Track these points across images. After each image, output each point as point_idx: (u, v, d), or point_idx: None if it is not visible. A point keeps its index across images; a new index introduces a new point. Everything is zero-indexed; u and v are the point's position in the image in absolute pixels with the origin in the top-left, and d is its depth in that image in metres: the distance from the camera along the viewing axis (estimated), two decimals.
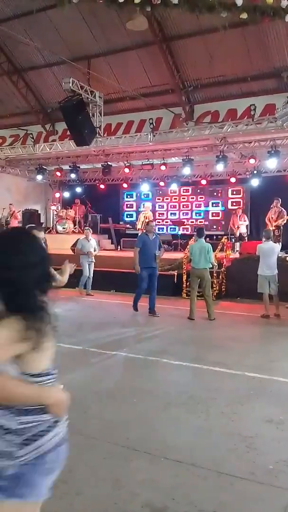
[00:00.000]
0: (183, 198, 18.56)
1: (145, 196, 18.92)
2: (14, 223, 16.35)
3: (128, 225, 18.03)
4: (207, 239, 11.16)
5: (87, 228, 12.66)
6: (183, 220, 18.17)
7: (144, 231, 10.31)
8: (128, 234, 17.60)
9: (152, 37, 11.64)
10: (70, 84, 11.12)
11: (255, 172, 14.53)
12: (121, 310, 10.19)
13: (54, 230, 17.30)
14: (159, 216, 18.82)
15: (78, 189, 19.20)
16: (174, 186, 17.69)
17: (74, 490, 3.07)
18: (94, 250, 11.59)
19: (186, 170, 14.56)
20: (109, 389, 5.04)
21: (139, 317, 9.30)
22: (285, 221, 12.77)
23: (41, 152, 14.10)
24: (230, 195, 17.64)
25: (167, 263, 12.59)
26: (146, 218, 16.33)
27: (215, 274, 10.76)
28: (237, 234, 14.51)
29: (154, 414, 4.38)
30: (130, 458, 3.50)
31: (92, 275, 11.60)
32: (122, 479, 3.20)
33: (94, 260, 11.65)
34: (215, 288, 10.63)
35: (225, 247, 11.86)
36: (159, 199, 19.00)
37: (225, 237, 12.78)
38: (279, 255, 10.22)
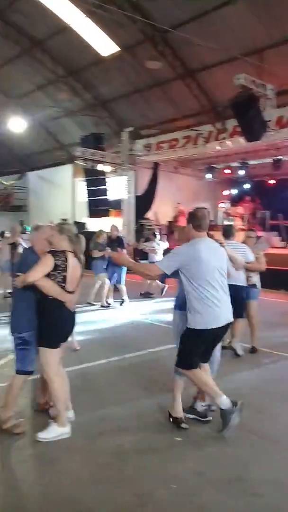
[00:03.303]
0: None
1: None
2: (183, 221, 16.92)
3: None
4: None
5: None
6: None
7: None
8: None
9: None
10: (242, 80, 10.97)
11: None
12: None
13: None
14: None
15: (246, 186, 18.96)
16: None
17: (249, 490, 3.06)
18: None
19: None
20: (284, 391, 4.87)
21: None
22: None
23: (211, 150, 14.29)
24: None
25: None
26: None
27: None
28: None
29: None
30: None
31: None
32: None
33: None
34: None
35: None
36: None
37: None
38: None
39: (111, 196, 17.12)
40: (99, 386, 4.91)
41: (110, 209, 17.21)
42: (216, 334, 3.82)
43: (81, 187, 18.84)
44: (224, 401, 3.66)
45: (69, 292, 3.68)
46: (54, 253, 3.62)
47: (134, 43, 14.24)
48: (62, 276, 3.60)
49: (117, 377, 5.20)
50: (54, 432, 3.63)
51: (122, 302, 9.60)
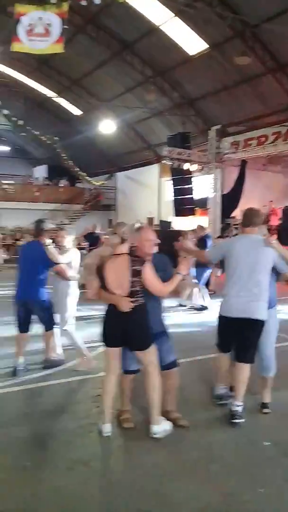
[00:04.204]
0: None
1: None
2: (275, 220, 16.42)
3: None
4: None
5: None
6: None
7: None
8: None
9: None
10: None
11: None
12: None
13: None
14: None
15: None
16: None
17: None
18: None
19: None
20: None
21: None
22: None
23: None
24: None
25: None
26: None
27: None
28: None
29: None
30: None
31: None
32: None
33: None
34: None
35: None
36: None
37: None
38: None
39: (197, 195, 17.09)
40: (181, 386, 4.93)
41: (195, 208, 17.18)
42: (235, 325, 3.98)
43: (167, 186, 19.03)
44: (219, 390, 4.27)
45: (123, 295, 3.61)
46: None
47: (222, 40, 14.07)
48: (101, 283, 3.63)
49: (199, 377, 5.19)
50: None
51: (193, 308, 9.23)
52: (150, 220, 21.31)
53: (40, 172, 29.83)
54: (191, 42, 14.94)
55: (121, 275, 3.56)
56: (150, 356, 3.66)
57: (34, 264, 5.17)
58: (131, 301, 3.54)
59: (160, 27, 14.76)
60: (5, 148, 31.20)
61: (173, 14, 13.93)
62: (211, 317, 8.31)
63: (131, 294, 3.57)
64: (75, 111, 23.12)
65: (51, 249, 5.09)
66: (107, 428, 3.70)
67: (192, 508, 2.87)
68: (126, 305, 3.54)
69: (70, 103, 22.67)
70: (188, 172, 16.62)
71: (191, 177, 16.86)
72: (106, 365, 3.80)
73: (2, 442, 3.63)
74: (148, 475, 3.21)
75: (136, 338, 3.65)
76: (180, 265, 3.83)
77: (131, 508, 2.88)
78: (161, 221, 19.83)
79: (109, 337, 3.71)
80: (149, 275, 3.59)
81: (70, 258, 5.28)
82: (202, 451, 3.52)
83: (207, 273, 9.19)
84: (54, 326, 5.35)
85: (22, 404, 4.46)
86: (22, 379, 4.98)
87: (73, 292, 5.37)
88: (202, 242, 9.28)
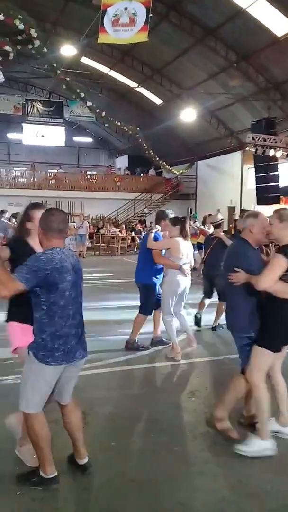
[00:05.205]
0: None
1: None
2: None
3: None
4: None
5: None
6: None
7: None
8: None
9: None
10: None
11: None
12: None
13: None
14: None
15: None
16: None
17: None
18: None
19: None
20: None
21: None
22: None
23: None
24: None
25: None
26: None
27: None
28: None
29: None
30: None
31: None
32: None
33: None
34: None
35: None
36: None
37: None
38: None
39: (282, 182, 16.45)
40: None
41: (281, 196, 16.55)
42: None
43: (250, 174, 18.51)
44: None
45: None
46: (286, 250, 3.14)
47: None
48: None
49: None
50: (257, 446, 3.26)
51: None
52: (231, 209, 20.89)
53: (122, 162, 30.41)
54: (278, 23, 14.25)
55: None
56: None
57: (143, 250, 5.65)
58: None
59: (246, 10, 14.25)
60: (89, 140, 32.20)
61: None
62: None
63: None
64: (157, 100, 23.17)
65: (150, 235, 5.45)
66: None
67: (282, 503, 2.81)
68: None
69: (152, 92, 22.73)
70: (274, 158, 16.02)
71: (277, 163, 16.25)
72: (263, 374, 3.33)
73: (90, 422, 3.77)
74: (231, 465, 3.18)
75: None
76: None
77: (214, 489, 2.88)
78: (242, 210, 19.35)
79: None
80: None
81: (162, 245, 5.45)
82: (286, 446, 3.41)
83: None
84: (148, 313, 5.61)
85: (108, 386, 4.60)
86: (107, 362, 5.14)
87: (171, 281, 5.31)
88: None
